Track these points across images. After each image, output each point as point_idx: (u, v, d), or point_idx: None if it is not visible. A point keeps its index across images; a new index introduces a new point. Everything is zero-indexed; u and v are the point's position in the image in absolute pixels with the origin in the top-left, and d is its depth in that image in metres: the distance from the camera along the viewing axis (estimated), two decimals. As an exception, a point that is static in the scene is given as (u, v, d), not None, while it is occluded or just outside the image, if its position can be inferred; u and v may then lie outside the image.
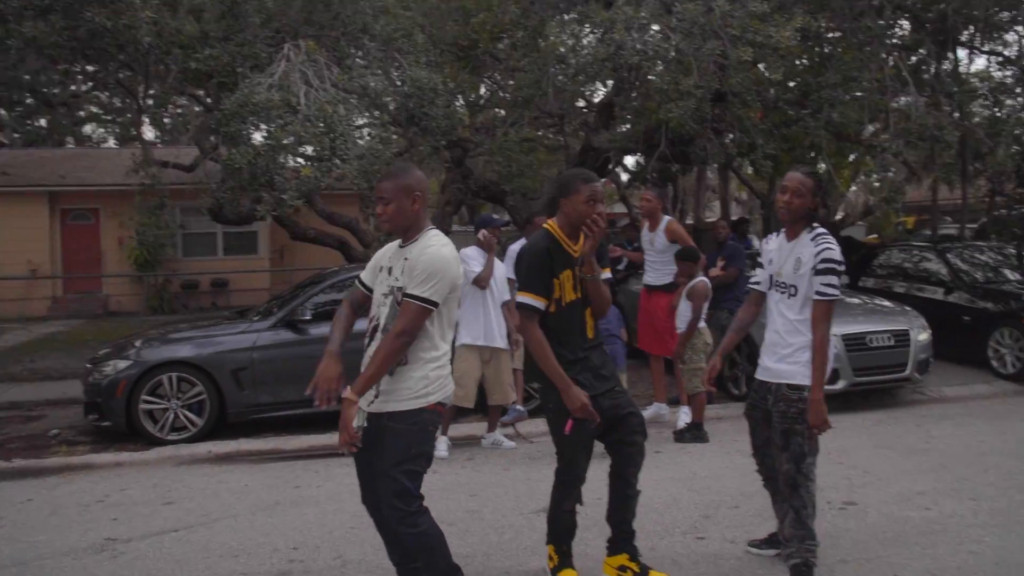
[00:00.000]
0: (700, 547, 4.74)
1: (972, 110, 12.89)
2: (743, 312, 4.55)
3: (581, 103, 15.87)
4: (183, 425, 7.62)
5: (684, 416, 7.61)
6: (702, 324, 7.62)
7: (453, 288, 3.55)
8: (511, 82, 14.28)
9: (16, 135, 25.94)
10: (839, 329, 8.17)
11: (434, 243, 3.54)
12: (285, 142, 8.45)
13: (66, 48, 9.12)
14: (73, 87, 17.56)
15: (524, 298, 3.98)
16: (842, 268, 4.10)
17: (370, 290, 3.77)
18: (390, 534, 3.79)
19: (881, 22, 11.60)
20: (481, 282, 7.07)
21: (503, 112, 15.65)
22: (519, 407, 7.65)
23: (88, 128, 31.44)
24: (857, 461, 6.48)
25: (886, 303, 9.92)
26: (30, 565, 4.69)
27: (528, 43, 12.32)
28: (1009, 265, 11.56)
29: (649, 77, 10.76)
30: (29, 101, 23.84)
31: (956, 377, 9.86)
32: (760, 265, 4.51)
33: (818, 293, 4.06)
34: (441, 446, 6.92)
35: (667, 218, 7.97)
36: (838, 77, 10.84)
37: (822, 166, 13.51)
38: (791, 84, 12.18)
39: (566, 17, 12.34)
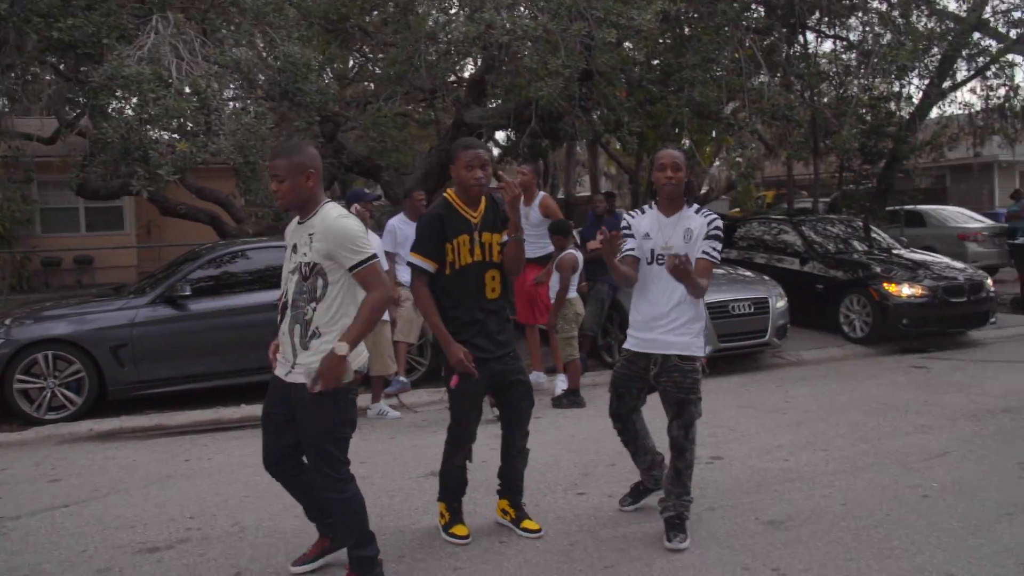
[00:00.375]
0: (581, 501, 5.09)
1: (821, 90, 13.69)
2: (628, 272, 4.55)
3: (452, 78, 16.01)
4: (61, 404, 7.49)
5: (561, 383, 7.96)
6: (573, 294, 7.96)
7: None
8: (381, 56, 14.30)
9: None
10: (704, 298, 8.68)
11: (333, 213, 3.67)
12: (156, 115, 8.29)
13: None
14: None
15: (413, 259, 4.31)
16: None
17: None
18: (303, 490, 3.99)
19: (736, 5, 12.19)
20: None
21: (372, 86, 15.63)
22: (402, 378, 7.86)
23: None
24: (723, 421, 6.99)
25: (747, 273, 10.50)
26: (-88, 546, 4.63)
27: (399, 19, 12.38)
28: (857, 237, 12.42)
29: (518, 56, 11.01)
30: None
31: (812, 342, 10.57)
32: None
33: (704, 253, 4.36)
34: (391, 412, 7.37)
35: (541, 193, 8.29)
36: (697, 58, 11.31)
37: (685, 142, 14.13)
38: (654, 63, 12.66)
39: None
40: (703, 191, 19.31)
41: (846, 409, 7.35)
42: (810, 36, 14.46)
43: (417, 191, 8.25)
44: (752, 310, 9.30)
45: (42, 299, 11.06)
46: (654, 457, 4.80)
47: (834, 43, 14.40)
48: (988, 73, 14.99)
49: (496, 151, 19.48)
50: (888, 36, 12.49)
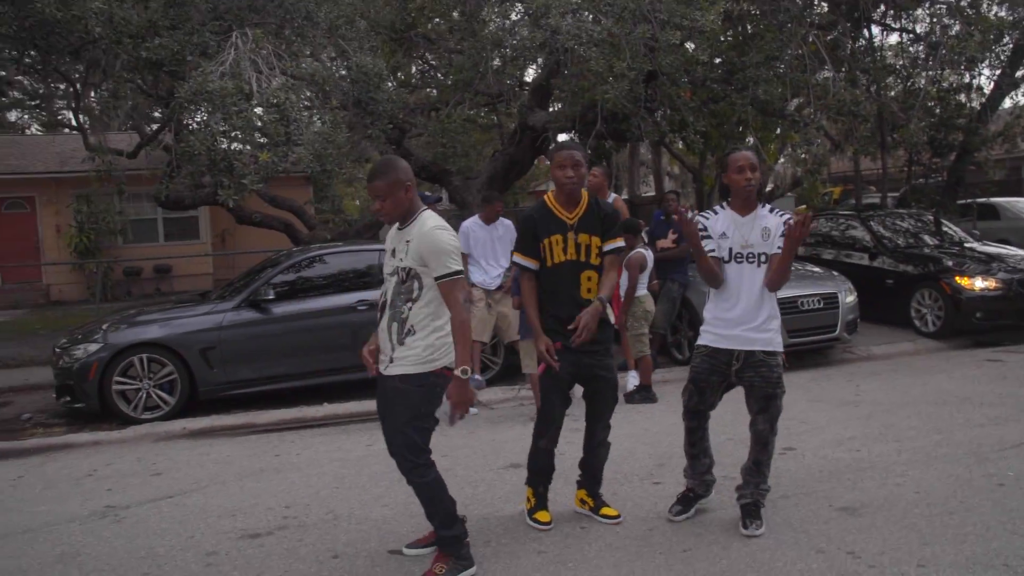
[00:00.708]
0: (657, 490, 5.25)
1: (887, 84, 13.58)
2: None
3: (514, 82, 16.23)
4: (155, 404, 7.90)
5: (633, 379, 8.10)
6: (642, 292, 8.08)
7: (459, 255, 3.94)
8: (448, 63, 14.59)
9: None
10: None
11: (429, 224, 3.91)
12: (239, 126, 8.68)
13: (15, 39, 9.21)
14: (3, 72, 17.31)
15: (515, 257, 4.64)
16: None
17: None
18: None
19: (799, 1, 12.20)
20: None
21: (435, 92, 15.94)
22: (477, 376, 8.08)
23: (13, 114, 30.78)
24: (794, 414, 7.03)
25: (815, 269, 10.50)
26: (39, 532, 5.00)
27: (465, 27, 12.66)
28: (928, 231, 12.27)
29: (584, 60, 11.19)
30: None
31: (882, 337, 10.52)
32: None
33: (779, 248, 4.46)
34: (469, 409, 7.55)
35: (613, 195, 8.45)
36: (761, 56, 11.35)
37: (750, 140, 14.13)
38: (717, 62, 12.72)
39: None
40: (768, 188, 19.23)
41: (918, 402, 7.36)
42: (875, 30, 14.36)
43: (498, 201, 8.44)
44: (821, 305, 9.32)
45: (126, 306, 11.59)
46: (711, 463, 4.90)
47: (900, 36, 14.28)
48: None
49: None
50: (957, 27, 12.35)
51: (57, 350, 8.22)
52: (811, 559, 4.13)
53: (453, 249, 3.89)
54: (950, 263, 10.72)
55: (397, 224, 4.05)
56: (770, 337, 4.52)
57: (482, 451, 6.36)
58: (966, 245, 11.85)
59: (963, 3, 12.57)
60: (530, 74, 15.75)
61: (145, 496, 5.61)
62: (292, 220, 14.50)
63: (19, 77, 19.70)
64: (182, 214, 18.81)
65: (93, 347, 7.86)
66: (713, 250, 4.52)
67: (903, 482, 5.21)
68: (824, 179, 24.75)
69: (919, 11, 13.66)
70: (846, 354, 9.78)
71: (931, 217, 12.80)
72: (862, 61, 12.91)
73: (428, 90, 16.88)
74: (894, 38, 14.66)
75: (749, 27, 12.95)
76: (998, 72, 14.29)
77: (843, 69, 12.52)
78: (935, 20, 13.06)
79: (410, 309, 3.92)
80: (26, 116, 31.66)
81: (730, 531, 4.52)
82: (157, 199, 12.33)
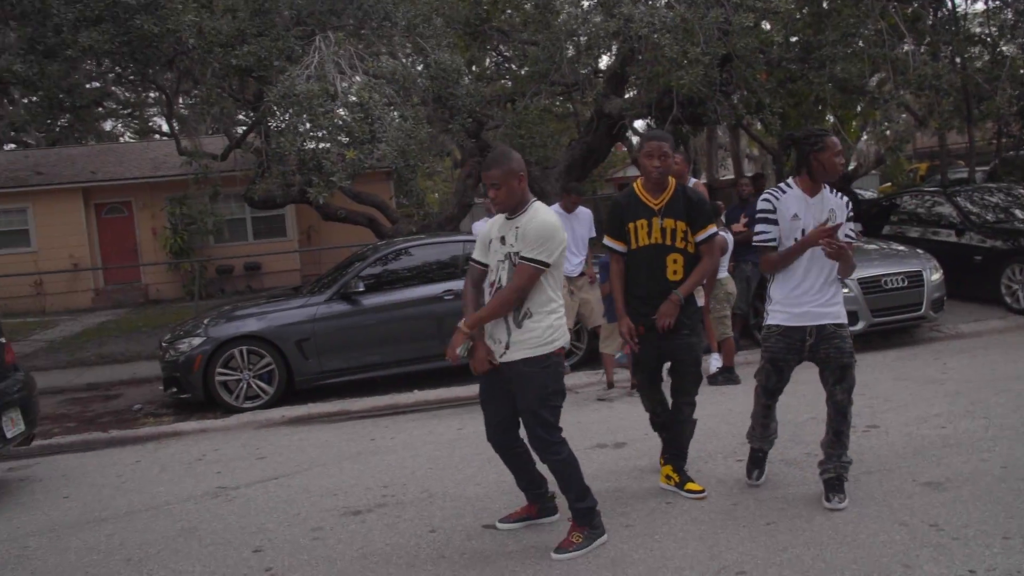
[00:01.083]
0: (740, 467, 5.35)
1: (971, 55, 13.25)
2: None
3: (589, 70, 16.31)
4: (255, 394, 8.33)
5: (715, 361, 8.16)
6: (724, 274, 8.15)
7: (561, 249, 4.12)
8: (522, 54, 14.77)
9: (40, 134, 26.53)
10: (855, 273, 8.73)
11: (541, 213, 4.12)
12: (326, 126, 9.04)
13: (118, 54, 9.75)
14: (99, 84, 18.15)
15: (605, 240, 4.94)
16: None
17: (485, 265, 4.33)
18: (519, 463, 4.49)
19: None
20: None
21: (509, 83, 16.15)
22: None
23: (108, 124, 32.08)
24: (878, 392, 7.03)
25: (900, 247, 10.32)
26: (160, 510, 5.42)
27: (539, 18, 12.83)
28: (1020, 205, 11.87)
29: (659, 46, 11.24)
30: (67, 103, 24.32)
31: (971, 314, 10.29)
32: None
33: (847, 237, 4.58)
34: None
35: (693, 179, 8.53)
36: (837, 33, 11.24)
37: (830, 118, 14.00)
38: (793, 41, 12.62)
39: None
40: (850, 167, 18.95)
41: (1008, 379, 7.23)
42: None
43: (577, 193, 8.61)
44: (906, 284, 9.21)
45: (221, 303, 12.11)
46: (776, 424, 5.11)
47: (986, 3, 13.93)
48: None
49: (636, 140, 19.69)
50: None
51: (163, 345, 8.71)
52: (894, 531, 4.21)
53: (553, 240, 4.05)
54: (1042, 237, 10.44)
55: (506, 215, 4.23)
56: (838, 311, 4.65)
57: (568, 433, 6.37)
58: (1060, 218, 11.53)
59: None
60: (604, 62, 15.87)
61: (252, 478, 5.97)
62: (375, 215, 14.91)
63: (114, 88, 20.57)
64: (270, 213, 19.43)
65: (196, 341, 8.32)
66: (773, 240, 4.63)
67: (989, 457, 5.20)
68: (909, 155, 24.19)
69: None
70: (933, 332, 9.65)
71: (1022, 191, 12.47)
72: (944, 32, 12.64)
73: (503, 81, 17.11)
74: (979, 5, 14.33)
75: (825, 4, 12.81)
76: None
77: (924, 42, 12.29)
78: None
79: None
80: (120, 125, 32.97)
81: (813, 505, 4.62)
82: (249, 199, 12.83)
